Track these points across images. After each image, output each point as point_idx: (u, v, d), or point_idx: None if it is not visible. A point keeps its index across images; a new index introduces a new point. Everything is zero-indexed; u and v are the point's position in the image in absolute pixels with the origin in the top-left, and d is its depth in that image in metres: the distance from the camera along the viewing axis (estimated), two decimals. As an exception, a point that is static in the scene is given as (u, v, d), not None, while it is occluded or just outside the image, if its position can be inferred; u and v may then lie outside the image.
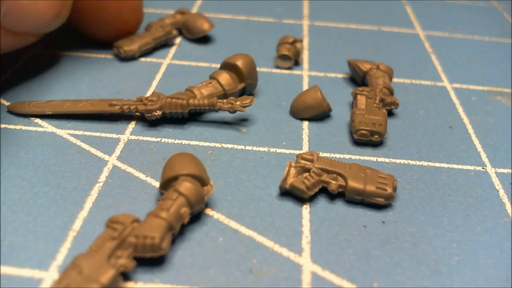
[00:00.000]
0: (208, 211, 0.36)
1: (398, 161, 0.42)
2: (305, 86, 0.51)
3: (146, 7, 0.67)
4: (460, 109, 0.49)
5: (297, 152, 0.42)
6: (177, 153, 0.37)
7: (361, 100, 0.45)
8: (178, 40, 0.59)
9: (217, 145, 0.42)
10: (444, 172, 0.41)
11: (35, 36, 0.45)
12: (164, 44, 0.57)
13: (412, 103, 0.50)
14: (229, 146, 0.42)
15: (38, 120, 0.44)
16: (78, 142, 0.42)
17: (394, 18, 0.69)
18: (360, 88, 0.47)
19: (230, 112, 0.44)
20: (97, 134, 0.43)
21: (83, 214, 0.35)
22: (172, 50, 0.57)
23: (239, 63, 0.47)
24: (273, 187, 0.38)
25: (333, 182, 0.37)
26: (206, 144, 0.42)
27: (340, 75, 0.54)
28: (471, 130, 0.46)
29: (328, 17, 0.68)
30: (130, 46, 0.53)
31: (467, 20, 0.70)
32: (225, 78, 0.47)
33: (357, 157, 0.42)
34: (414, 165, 0.42)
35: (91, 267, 0.29)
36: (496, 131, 0.47)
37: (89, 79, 0.50)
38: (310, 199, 0.37)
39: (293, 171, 0.37)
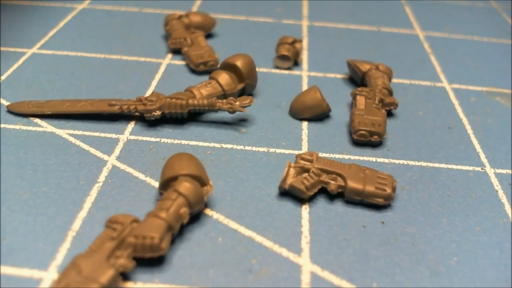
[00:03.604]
0: (208, 211, 0.36)
1: (397, 161, 0.42)
2: (305, 87, 0.51)
3: (146, 7, 0.67)
4: (459, 110, 0.49)
5: (297, 152, 0.42)
6: (176, 153, 0.37)
7: (361, 101, 0.45)
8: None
9: (217, 145, 0.42)
10: (443, 172, 0.41)
11: None
12: None
13: (411, 104, 0.50)
14: (229, 146, 0.42)
15: (37, 120, 0.44)
16: (78, 142, 0.42)
17: (394, 18, 0.69)
18: (359, 89, 0.47)
19: (229, 112, 0.44)
20: (97, 134, 0.43)
21: (83, 214, 0.35)
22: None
23: (239, 63, 0.47)
24: (273, 187, 0.38)
25: (332, 182, 0.37)
26: (206, 144, 0.42)
27: (339, 76, 0.54)
28: (470, 131, 0.46)
29: (328, 17, 0.68)
30: None
31: (466, 21, 0.70)
32: (224, 78, 0.47)
33: (356, 157, 0.42)
34: (413, 165, 0.42)
35: (91, 267, 0.29)
36: (495, 131, 0.47)
37: (89, 79, 0.50)
38: (310, 199, 0.37)
39: (292, 171, 0.37)
